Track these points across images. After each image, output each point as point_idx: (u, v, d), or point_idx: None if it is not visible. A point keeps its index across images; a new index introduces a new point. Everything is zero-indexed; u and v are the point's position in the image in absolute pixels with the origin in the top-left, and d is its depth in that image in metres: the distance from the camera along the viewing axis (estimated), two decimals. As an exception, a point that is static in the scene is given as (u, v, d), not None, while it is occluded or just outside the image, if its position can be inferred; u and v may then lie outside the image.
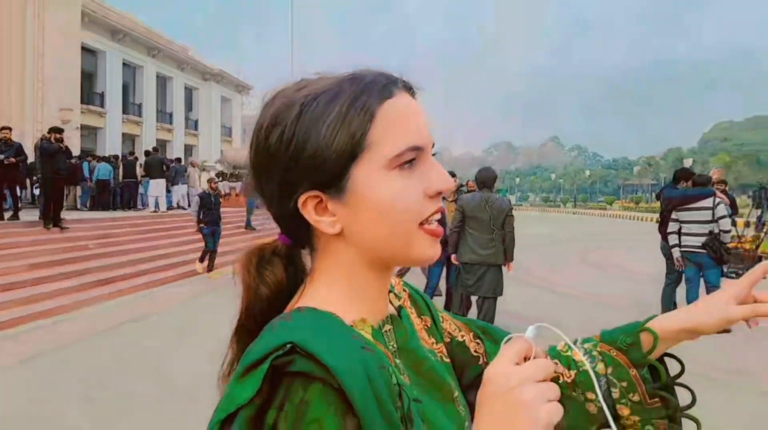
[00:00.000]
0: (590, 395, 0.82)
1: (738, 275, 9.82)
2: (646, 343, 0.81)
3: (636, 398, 0.81)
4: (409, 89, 0.68)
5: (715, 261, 6.19)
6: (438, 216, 0.67)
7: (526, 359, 0.58)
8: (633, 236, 19.35)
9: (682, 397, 0.83)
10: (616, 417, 0.82)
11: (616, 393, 0.82)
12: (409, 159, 0.64)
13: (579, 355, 0.80)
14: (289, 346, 0.55)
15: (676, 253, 6.44)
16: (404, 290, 0.84)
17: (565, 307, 7.81)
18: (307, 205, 0.65)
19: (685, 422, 0.83)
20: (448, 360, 0.80)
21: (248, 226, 16.52)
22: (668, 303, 6.81)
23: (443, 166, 0.69)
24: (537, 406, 0.53)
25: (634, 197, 56.97)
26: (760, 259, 10.82)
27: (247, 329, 0.67)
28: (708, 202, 6.20)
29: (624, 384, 0.81)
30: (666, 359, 0.83)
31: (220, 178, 10.85)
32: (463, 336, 0.85)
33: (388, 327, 0.70)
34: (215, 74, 35.43)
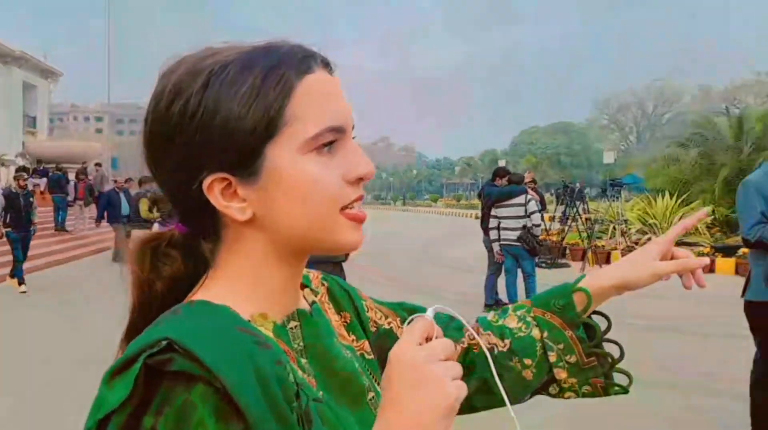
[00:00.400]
0: (527, 361, 0.82)
1: (548, 265, 11.04)
2: (578, 303, 0.82)
3: (573, 359, 0.82)
4: (327, 66, 0.62)
5: (529, 252, 6.87)
6: (360, 203, 0.63)
7: (428, 339, 0.56)
8: (457, 231, 20.73)
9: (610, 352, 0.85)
10: (553, 381, 0.84)
11: (552, 356, 0.82)
12: (329, 141, 0.59)
13: (474, 335, 0.78)
14: (164, 343, 0.50)
15: (495, 247, 7.04)
16: (323, 285, 0.79)
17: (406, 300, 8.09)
18: (214, 189, 0.58)
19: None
20: (371, 356, 0.76)
21: (59, 227, 14.90)
22: (491, 292, 7.41)
23: None
24: (445, 384, 0.52)
25: (456, 195, 61.20)
26: (565, 249, 12.21)
27: (138, 330, 0.58)
28: (521, 198, 6.86)
29: (561, 346, 0.82)
30: (593, 316, 0.84)
31: (25, 175, 9.56)
32: (390, 323, 0.82)
33: (294, 324, 0.65)
34: (17, 57, 31.39)
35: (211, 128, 0.57)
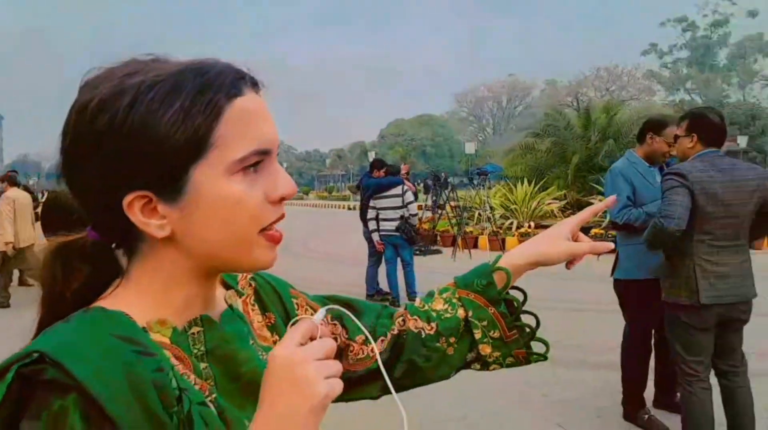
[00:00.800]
0: (452, 340, 0.88)
1: (422, 252, 11.34)
2: (499, 281, 0.88)
3: (496, 334, 0.88)
4: (256, 86, 0.64)
5: (408, 242, 7.01)
6: (281, 222, 0.65)
7: (313, 339, 0.59)
8: (333, 223, 20.72)
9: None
10: (477, 358, 0.90)
11: (477, 334, 0.88)
12: (255, 162, 0.61)
13: (367, 335, 0.79)
14: (36, 355, 0.53)
15: (375, 237, 7.10)
16: (250, 285, 0.80)
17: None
18: (134, 206, 0.59)
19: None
20: None
21: None
22: (372, 282, 7.46)
23: None
24: (315, 382, 0.55)
25: (328, 187, 61.12)
26: (436, 236, 12.63)
27: None
28: (398, 189, 6.98)
29: (485, 323, 0.88)
30: (510, 291, 0.90)
31: None
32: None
33: (196, 329, 0.66)
34: None
35: (136, 148, 0.57)
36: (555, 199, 14.08)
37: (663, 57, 63.39)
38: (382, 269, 7.28)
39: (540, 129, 17.07)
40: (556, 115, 17.36)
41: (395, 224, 6.91)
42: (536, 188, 13.85)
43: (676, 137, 2.96)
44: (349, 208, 28.58)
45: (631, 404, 3.58)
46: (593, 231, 10.79)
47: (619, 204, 3.43)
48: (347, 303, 0.90)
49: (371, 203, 7.10)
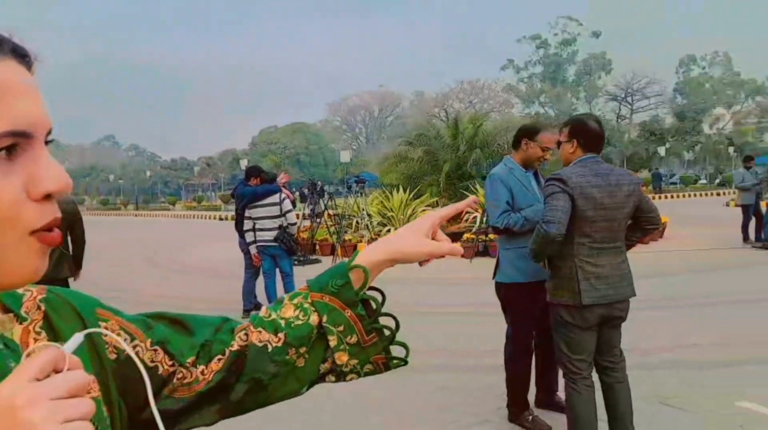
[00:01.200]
0: (302, 350, 0.80)
1: (301, 262, 11.11)
2: (356, 281, 0.80)
3: (353, 339, 0.81)
4: (24, 57, 0.54)
5: (287, 252, 6.79)
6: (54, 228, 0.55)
7: (58, 372, 0.49)
8: (202, 234, 19.75)
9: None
10: (332, 370, 0.82)
11: (332, 340, 0.80)
12: (7, 146, 0.51)
13: (148, 389, 0.64)
14: None
15: (253, 249, 6.82)
16: (39, 308, 0.66)
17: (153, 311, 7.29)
18: None
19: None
20: (94, 394, 0.65)
21: None
22: (249, 296, 7.15)
23: None
24: (47, 427, 0.45)
25: (197, 197, 58.43)
26: (315, 245, 12.45)
27: None
28: (275, 198, 6.75)
29: (341, 328, 0.80)
30: (368, 292, 0.83)
31: None
32: (135, 346, 0.73)
33: None
34: None
35: None
36: (428, 205, 14.47)
37: (519, 72, 68.20)
38: (261, 282, 6.99)
39: (412, 138, 17.51)
40: (426, 126, 17.92)
41: (273, 233, 6.67)
42: (411, 195, 14.15)
43: (559, 143, 3.06)
44: (221, 219, 27.52)
45: (516, 406, 3.65)
46: (466, 236, 11.19)
47: (499, 209, 3.50)
48: (176, 321, 0.80)
49: (247, 213, 6.81)
